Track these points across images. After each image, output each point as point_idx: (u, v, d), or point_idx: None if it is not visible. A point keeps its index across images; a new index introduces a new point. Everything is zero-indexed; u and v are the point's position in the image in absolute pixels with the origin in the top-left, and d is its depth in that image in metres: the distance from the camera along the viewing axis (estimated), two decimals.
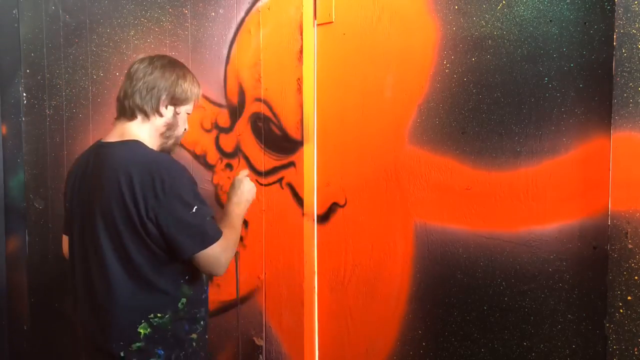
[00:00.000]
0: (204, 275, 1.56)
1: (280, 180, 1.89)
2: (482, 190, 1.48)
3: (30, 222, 2.77)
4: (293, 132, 1.85)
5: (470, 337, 1.52)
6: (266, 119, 1.92)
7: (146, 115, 1.48)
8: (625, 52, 1.21)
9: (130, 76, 1.50)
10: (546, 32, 1.37)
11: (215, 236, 1.42)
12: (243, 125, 1.99)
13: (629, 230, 1.22)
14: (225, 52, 2.02)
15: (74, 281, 1.54)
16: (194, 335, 1.53)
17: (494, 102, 1.45)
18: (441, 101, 1.55)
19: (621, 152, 1.22)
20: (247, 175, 1.67)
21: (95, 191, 1.43)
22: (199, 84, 1.58)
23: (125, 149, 1.44)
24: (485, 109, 1.47)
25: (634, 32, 1.20)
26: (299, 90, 1.82)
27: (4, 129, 2.77)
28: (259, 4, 1.92)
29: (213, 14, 2.05)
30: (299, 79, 1.82)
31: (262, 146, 1.94)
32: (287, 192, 1.87)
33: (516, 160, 1.42)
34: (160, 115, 1.50)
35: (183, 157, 2.15)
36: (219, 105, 2.05)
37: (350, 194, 1.76)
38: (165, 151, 1.55)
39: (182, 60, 2.12)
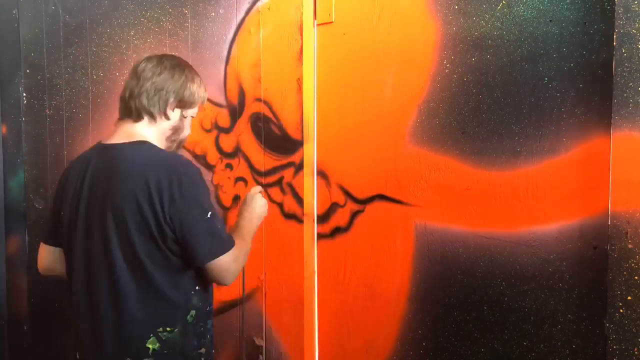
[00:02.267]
0: (211, 287, 1.49)
1: (280, 180, 1.89)
2: (482, 190, 1.48)
3: (30, 222, 2.77)
4: (293, 132, 1.85)
5: (470, 337, 1.52)
6: (266, 119, 1.92)
7: (153, 117, 1.41)
8: (625, 52, 1.21)
9: (137, 75, 1.42)
10: (546, 32, 1.37)
11: (229, 245, 1.36)
12: (243, 125, 1.99)
13: (629, 230, 1.22)
14: (225, 52, 2.02)
15: (74, 290, 1.42)
16: (203, 350, 1.45)
17: (494, 102, 1.45)
18: (441, 101, 1.55)
19: (621, 152, 1.22)
20: (260, 192, 1.61)
21: (106, 195, 1.33)
22: (205, 88, 1.53)
23: (138, 149, 1.37)
24: (485, 109, 1.47)
25: (634, 32, 1.20)
26: (299, 90, 1.82)
27: (4, 129, 2.77)
28: (259, 4, 1.92)
29: (213, 14, 2.05)
30: (299, 79, 1.82)
31: (262, 146, 1.94)
32: (287, 192, 1.87)
33: (516, 160, 1.42)
34: (167, 118, 1.44)
35: None
36: (219, 105, 2.05)
37: (350, 193, 1.75)
38: (177, 148, 1.52)
39: None
